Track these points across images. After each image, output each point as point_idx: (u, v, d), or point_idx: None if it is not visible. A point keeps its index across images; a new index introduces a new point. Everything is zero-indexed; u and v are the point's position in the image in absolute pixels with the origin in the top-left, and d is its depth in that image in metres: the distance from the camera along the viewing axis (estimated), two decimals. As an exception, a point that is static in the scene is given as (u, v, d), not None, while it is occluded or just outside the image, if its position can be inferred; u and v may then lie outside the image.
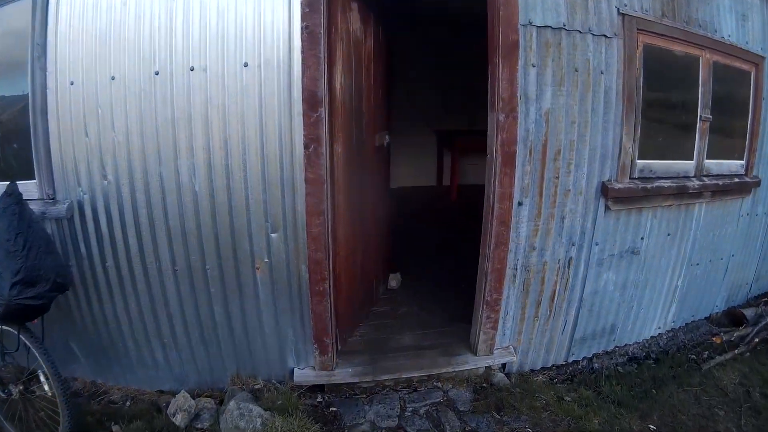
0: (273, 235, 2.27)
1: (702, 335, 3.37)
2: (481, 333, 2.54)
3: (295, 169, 2.18)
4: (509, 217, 2.35)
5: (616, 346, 3.07)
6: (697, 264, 3.19)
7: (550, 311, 2.68)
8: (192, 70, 2.16)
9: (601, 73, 2.46)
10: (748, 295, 3.68)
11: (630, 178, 2.66)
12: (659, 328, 3.21)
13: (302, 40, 2.08)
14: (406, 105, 5.63)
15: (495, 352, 2.62)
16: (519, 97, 2.25)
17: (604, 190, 2.55)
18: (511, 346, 2.68)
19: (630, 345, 3.11)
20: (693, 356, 3.15)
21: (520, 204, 2.39)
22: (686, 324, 3.36)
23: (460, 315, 2.97)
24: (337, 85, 2.23)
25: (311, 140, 2.10)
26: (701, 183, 2.96)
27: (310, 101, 2.08)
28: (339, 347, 2.59)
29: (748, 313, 3.46)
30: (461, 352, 2.64)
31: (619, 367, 3.01)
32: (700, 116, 2.98)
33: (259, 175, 2.21)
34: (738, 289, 3.58)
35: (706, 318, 3.47)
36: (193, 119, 2.20)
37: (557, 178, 2.43)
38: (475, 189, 6.08)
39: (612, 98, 2.50)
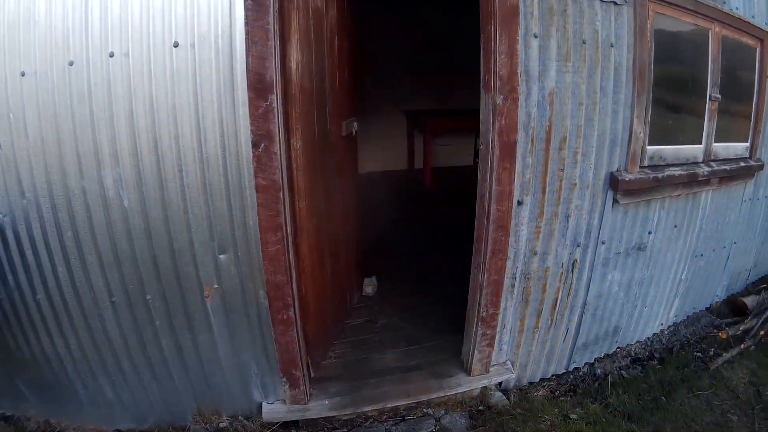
0: (221, 256, 1.71)
1: (703, 328, 2.94)
2: (475, 351, 2.05)
3: (243, 175, 1.61)
4: (508, 220, 1.83)
5: (618, 347, 2.61)
6: (702, 255, 2.73)
7: (552, 320, 2.19)
8: (111, 56, 1.57)
9: (611, 46, 1.92)
10: (746, 282, 3.26)
11: (640, 167, 2.15)
12: (661, 324, 2.77)
13: (246, 9, 1.50)
14: (373, 84, 4.88)
15: (491, 369, 2.14)
16: (519, 75, 1.68)
17: (613, 182, 2.04)
18: (508, 361, 2.19)
19: (632, 345, 2.66)
20: (699, 353, 2.73)
21: (520, 203, 1.86)
22: (687, 317, 2.92)
23: (446, 324, 2.47)
24: (293, 65, 1.64)
25: (261, 137, 1.52)
26: (710, 169, 2.48)
27: (258, 87, 1.49)
28: (312, 374, 2.07)
29: (749, 301, 3.04)
30: (453, 373, 2.14)
31: (623, 372, 2.56)
32: (710, 96, 2.47)
33: (198, 183, 1.64)
34: (738, 276, 3.16)
35: (706, 308, 3.04)
36: (116, 117, 1.62)
37: (562, 170, 1.90)
38: (450, 172, 5.52)
39: (622, 76, 1.98)
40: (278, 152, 1.54)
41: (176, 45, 1.55)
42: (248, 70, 1.49)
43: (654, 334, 2.75)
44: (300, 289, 1.84)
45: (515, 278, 1.98)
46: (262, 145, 1.53)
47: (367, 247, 3.02)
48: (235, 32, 1.52)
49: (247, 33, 1.49)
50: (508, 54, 1.65)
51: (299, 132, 1.70)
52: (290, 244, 1.68)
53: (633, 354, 2.67)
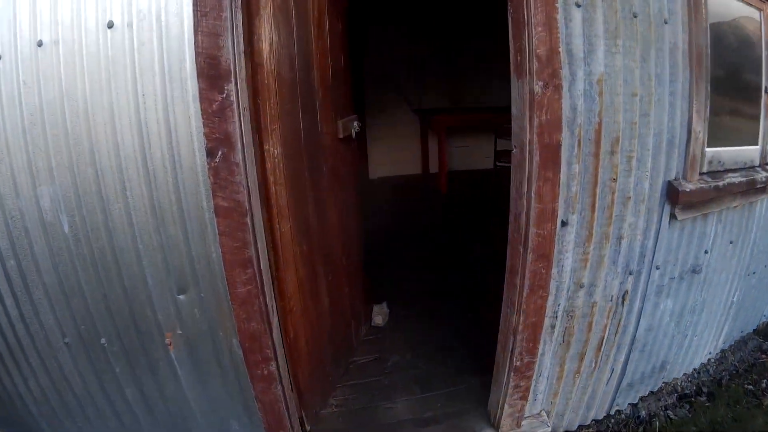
0: (181, 297, 1.16)
1: (751, 353, 2.29)
2: (506, 405, 1.44)
3: (200, 194, 1.06)
4: (551, 247, 1.23)
5: (664, 382, 1.94)
6: (754, 273, 2.09)
7: (596, 363, 1.57)
8: (40, 45, 1.07)
9: (665, 22, 1.33)
10: (792, 298, 2.54)
11: (699, 174, 1.51)
12: (710, 353, 2.12)
13: (197, -26, 0.95)
14: (381, 80, 4.14)
15: (523, 423, 1.53)
16: (561, 55, 1.09)
17: (672, 194, 1.43)
18: (543, 412, 1.58)
19: (678, 378, 1.99)
20: (750, 386, 2.04)
21: (564, 224, 1.27)
22: (734, 341, 2.23)
23: (467, 361, 1.87)
24: (265, 46, 1.09)
25: (217, 142, 0.97)
26: (767, 174, 1.81)
27: (211, 74, 0.95)
28: (308, 428, 1.46)
29: (799, 321, 2.33)
30: (477, 428, 1.54)
31: (669, 412, 1.92)
32: (765, 88, 1.82)
33: (146, 205, 1.10)
34: (784, 292, 2.44)
35: (753, 330, 2.34)
36: (48, 121, 1.12)
37: (614, 180, 1.31)
38: (467, 176, 4.69)
39: (678, 60, 1.39)
40: (242, 162, 0.98)
41: (111, 26, 1.03)
42: (197, 53, 0.96)
43: (701, 364, 2.09)
44: (288, 334, 1.28)
45: (556, 317, 1.38)
46: (220, 153, 0.98)
47: (376, 268, 2.41)
48: (182, 4, 1.00)
49: (195, 2, 0.94)
50: (546, 26, 1.08)
51: (277, 134, 1.14)
52: (267, 282, 1.11)
53: (679, 389, 2.02)
